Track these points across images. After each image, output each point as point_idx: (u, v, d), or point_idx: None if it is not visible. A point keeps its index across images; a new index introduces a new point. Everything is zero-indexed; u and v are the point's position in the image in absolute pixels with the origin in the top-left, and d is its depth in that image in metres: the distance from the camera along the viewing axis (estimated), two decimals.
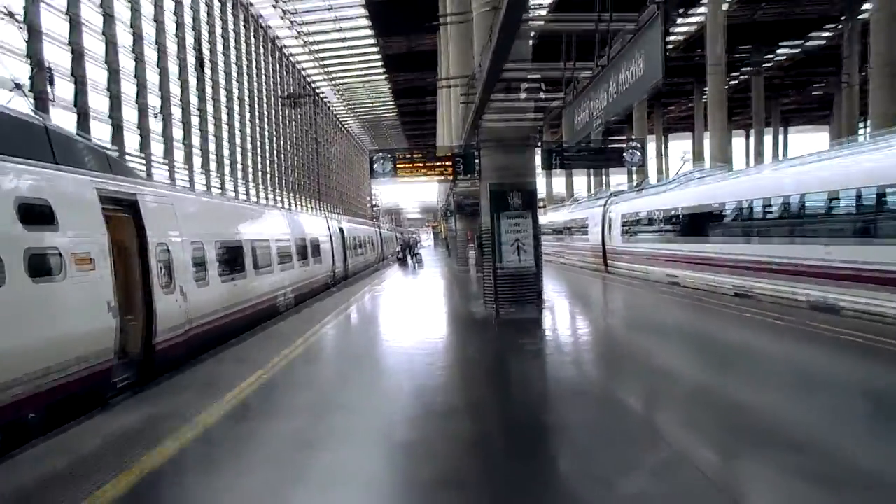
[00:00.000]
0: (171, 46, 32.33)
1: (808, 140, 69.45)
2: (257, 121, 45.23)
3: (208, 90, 36.67)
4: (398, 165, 14.75)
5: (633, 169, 52.40)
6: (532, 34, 12.20)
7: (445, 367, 9.07)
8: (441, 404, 6.83)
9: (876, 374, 7.27)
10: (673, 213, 19.50)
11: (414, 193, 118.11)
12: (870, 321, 10.77)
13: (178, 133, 32.48)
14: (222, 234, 12.88)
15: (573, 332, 11.78)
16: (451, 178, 15.36)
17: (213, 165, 37.34)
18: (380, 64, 52.94)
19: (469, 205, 27.38)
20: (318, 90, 62.77)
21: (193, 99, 34.71)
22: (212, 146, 37.13)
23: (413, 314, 14.96)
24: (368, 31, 46.93)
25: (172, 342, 9.76)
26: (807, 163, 14.48)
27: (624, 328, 12.09)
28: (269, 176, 47.02)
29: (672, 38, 42.37)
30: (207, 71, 36.55)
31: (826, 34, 46.26)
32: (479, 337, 11.45)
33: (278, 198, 48.47)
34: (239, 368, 8.93)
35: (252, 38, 45.32)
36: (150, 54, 29.56)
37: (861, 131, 43.44)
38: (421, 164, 14.83)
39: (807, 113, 67.21)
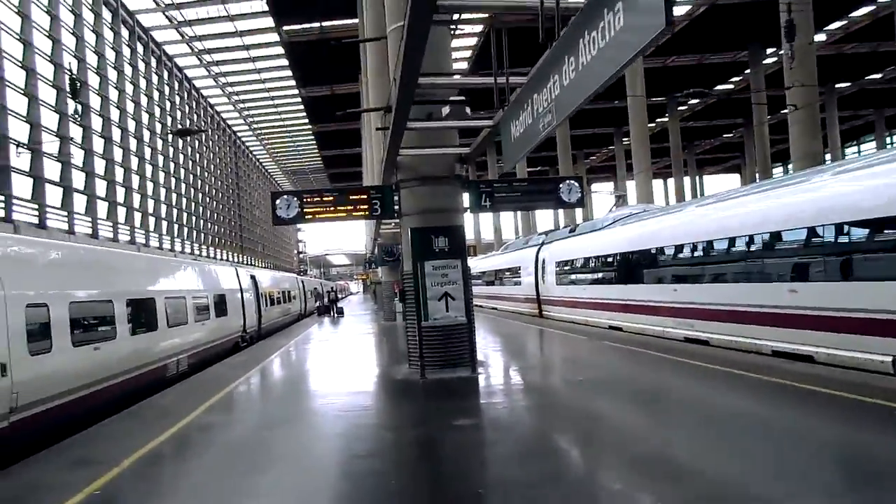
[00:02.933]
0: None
1: (721, 184, 70.63)
2: (170, 167, 41.99)
3: (115, 135, 33.58)
4: (306, 208, 12.42)
5: (562, 211, 51.77)
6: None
7: (355, 458, 6.64)
8: None
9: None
10: (613, 255, 17.66)
11: (343, 242, 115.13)
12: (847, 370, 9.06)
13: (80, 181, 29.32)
14: (80, 289, 10.14)
15: (517, 401, 9.32)
16: (367, 217, 13.06)
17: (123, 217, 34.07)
18: (302, 111, 50.84)
19: (393, 252, 25.19)
20: (239, 135, 60.01)
21: (97, 146, 31.62)
22: (120, 196, 33.89)
23: (325, 382, 12.37)
24: (290, 79, 44.95)
25: None
26: (768, 190, 12.83)
27: (578, 393, 9.63)
28: (186, 228, 43.61)
29: None
30: (112, 117, 33.53)
31: (734, 80, 46.94)
32: (400, 412, 9.04)
33: (198, 251, 45.04)
34: (71, 476, 6.32)
35: (158, 77, 42.41)
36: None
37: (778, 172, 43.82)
38: (332, 207, 12.53)
39: (720, 160, 68.68)
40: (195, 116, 47.77)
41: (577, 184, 13.00)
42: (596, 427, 7.31)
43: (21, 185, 24.45)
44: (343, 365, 14.47)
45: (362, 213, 12.64)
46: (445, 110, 9.96)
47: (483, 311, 28.94)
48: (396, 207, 12.27)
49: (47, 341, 8.71)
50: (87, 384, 9.67)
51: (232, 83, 47.00)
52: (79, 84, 26.43)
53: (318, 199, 12.58)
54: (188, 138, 42.05)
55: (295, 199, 12.42)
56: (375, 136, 22.44)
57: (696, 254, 13.67)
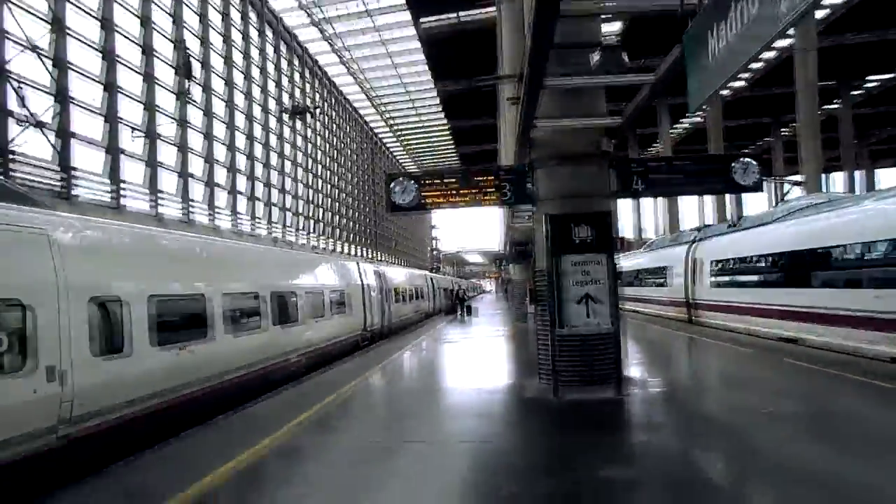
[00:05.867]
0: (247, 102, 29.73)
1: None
2: (309, 166, 42.04)
3: (256, 131, 33.77)
4: (425, 194, 10.58)
5: (711, 208, 46.93)
6: None
7: None
8: None
9: None
10: (792, 252, 14.29)
11: (478, 240, 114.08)
12: None
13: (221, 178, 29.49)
14: (167, 283, 8.85)
15: (684, 440, 6.75)
16: (496, 204, 10.96)
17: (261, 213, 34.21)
18: (439, 108, 49.91)
19: (528, 250, 23.04)
20: (377, 133, 60.25)
21: (240, 142, 31.84)
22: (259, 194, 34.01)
23: (442, 396, 10.47)
24: (427, 74, 43.98)
25: (20, 458, 5.76)
26: None
27: (770, 432, 6.80)
28: (322, 224, 43.63)
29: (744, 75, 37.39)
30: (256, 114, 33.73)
31: None
32: (529, 449, 6.84)
33: (333, 247, 45.12)
34: None
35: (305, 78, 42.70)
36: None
37: None
38: (455, 192, 10.59)
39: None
40: (334, 113, 48.08)
41: (754, 163, 10.29)
42: (823, 496, 4.79)
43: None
44: (465, 374, 12.54)
45: (491, 198, 10.60)
46: (594, 59, 7.63)
47: (622, 314, 26.01)
48: (531, 192, 10.18)
49: (120, 342, 7.41)
50: (171, 389, 8.35)
51: (370, 79, 46.78)
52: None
53: (440, 182, 10.70)
54: (333, 140, 41.93)
55: (413, 182, 10.61)
56: (510, 125, 20.44)
57: None
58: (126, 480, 5.98)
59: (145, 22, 23.71)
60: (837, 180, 52.96)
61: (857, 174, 50.47)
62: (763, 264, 15.84)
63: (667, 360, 13.69)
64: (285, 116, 36.51)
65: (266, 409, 9.17)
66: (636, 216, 54.61)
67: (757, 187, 10.38)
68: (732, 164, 10.24)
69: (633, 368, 11.36)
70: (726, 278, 17.98)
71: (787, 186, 27.30)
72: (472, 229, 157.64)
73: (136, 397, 7.61)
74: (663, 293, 24.13)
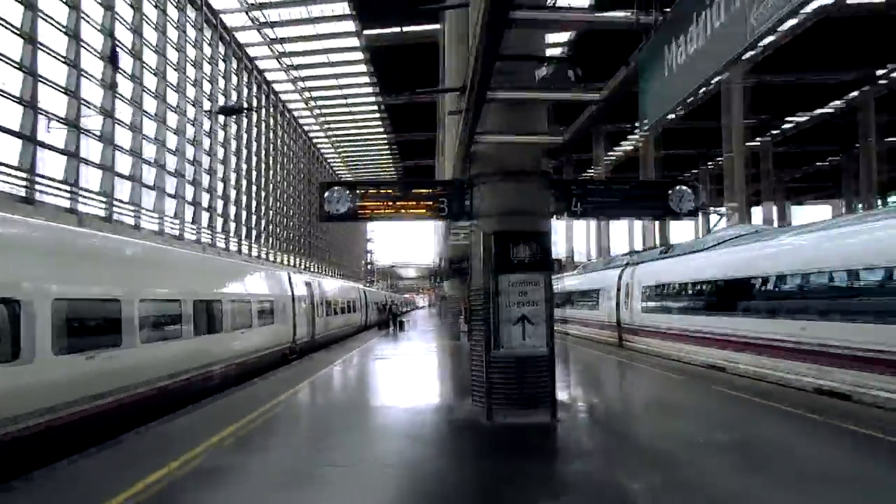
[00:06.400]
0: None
1: (811, 216, 65.17)
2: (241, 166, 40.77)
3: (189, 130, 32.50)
4: (360, 203, 10.12)
5: (639, 234, 47.98)
6: None
7: None
8: None
9: None
10: (721, 280, 14.50)
11: (413, 255, 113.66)
12: None
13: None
14: (77, 285, 8.11)
15: (622, 472, 6.37)
16: (434, 217, 10.63)
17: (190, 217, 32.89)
18: (379, 120, 49.44)
19: (463, 267, 22.83)
20: (316, 145, 59.28)
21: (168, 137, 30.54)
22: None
23: (368, 417, 9.93)
24: (369, 86, 43.53)
25: None
26: None
27: (706, 462, 6.73)
28: (254, 231, 42.36)
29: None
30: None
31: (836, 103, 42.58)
32: (459, 477, 6.42)
33: (266, 255, 43.87)
34: None
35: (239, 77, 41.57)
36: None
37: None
38: (392, 203, 10.20)
39: (809, 189, 63.34)
40: (272, 119, 46.96)
41: (690, 191, 10.29)
42: None
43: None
44: (394, 393, 12.10)
45: (429, 212, 10.23)
46: (541, 73, 7.42)
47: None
48: (469, 207, 9.89)
49: (17, 347, 6.67)
50: (76, 400, 7.61)
51: (311, 87, 45.97)
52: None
53: (376, 192, 10.29)
54: (269, 146, 40.77)
55: (348, 191, 10.15)
56: (450, 139, 20.23)
57: (848, 284, 10.61)
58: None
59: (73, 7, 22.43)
60: (757, 214, 55.20)
61: (775, 209, 52.64)
62: (691, 291, 16.07)
63: (599, 385, 13.60)
64: (219, 117, 35.23)
65: (183, 426, 8.50)
66: (568, 239, 55.33)
67: (692, 215, 10.40)
68: (669, 192, 10.23)
69: (566, 392, 11.15)
70: (656, 304, 18.18)
71: (713, 218, 28.15)
72: (407, 244, 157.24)
73: (34, 409, 6.87)
74: (594, 315, 24.31)
